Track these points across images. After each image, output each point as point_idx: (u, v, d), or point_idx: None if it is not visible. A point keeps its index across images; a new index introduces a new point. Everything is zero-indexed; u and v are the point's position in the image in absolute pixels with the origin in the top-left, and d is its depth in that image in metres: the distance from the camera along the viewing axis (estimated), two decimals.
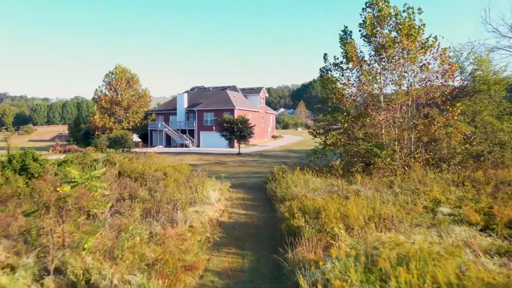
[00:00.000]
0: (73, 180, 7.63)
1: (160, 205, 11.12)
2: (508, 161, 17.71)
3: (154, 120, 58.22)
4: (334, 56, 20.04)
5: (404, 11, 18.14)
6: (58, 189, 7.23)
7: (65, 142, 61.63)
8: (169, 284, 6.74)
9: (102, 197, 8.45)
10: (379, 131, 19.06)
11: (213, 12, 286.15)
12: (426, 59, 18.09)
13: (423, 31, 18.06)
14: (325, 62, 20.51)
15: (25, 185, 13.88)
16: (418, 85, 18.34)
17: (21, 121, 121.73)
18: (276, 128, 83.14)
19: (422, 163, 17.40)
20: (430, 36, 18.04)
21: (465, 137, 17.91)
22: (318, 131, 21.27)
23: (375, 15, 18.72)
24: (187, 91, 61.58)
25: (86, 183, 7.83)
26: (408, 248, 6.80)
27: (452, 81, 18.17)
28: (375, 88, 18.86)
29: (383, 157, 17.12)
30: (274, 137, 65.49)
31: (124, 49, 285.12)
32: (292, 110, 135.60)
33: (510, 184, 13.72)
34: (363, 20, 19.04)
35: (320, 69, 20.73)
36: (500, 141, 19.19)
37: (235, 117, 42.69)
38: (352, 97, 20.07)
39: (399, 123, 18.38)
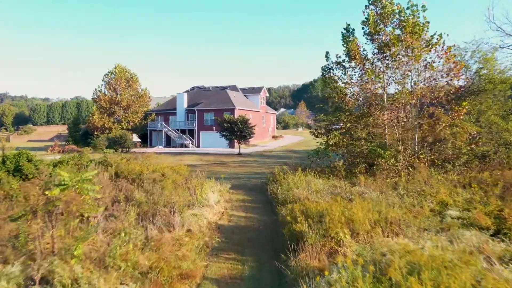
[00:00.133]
0: (62, 183, 7.19)
1: (157, 208, 10.67)
2: None
3: (153, 120, 57.78)
4: (336, 55, 19.63)
5: (408, 8, 17.69)
6: (46, 192, 6.79)
7: (64, 142, 61.17)
8: None
9: (94, 200, 8.02)
10: (382, 131, 18.61)
11: (213, 12, 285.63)
12: (431, 57, 17.65)
13: (427, 28, 17.62)
14: (327, 61, 20.08)
15: (19, 187, 13.46)
16: (422, 84, 17.88)
17: (21, 121, 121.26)
18: (277, 128, 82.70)
19: (426, 164, 16.95)
20: (435, 34, 17.58)
21: (470, 137, 17.46)
22: (320, 131, 20.80)
23: (378, 12, 18.28)
24: (187, 91, 61.15)
25: (77, 186, 7.39)
26: (419, 256, 6.36)
27: (458, 80, 17.71)
28: (379, 87, 18.39)
29: (386, 158, 16.68)
30: (274, 137, 65.03)
31: (124, 49, 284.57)
32: (292, 110, 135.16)
33: None
34: (366, 18, 18.60)
35: (322, 68, 20.28)
36: (505, 142, 18.74)
37: (235, 117, 42.24)
38: (355, 96, 19.64)
39: (403, 123, 17.93)
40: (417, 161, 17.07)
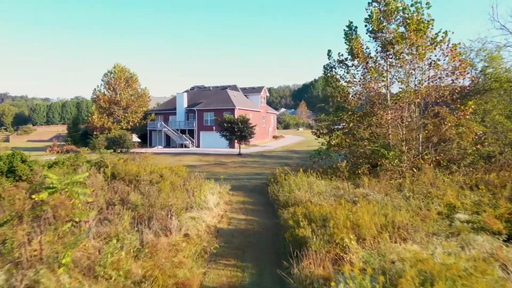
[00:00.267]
0: (51, 186, 6.76)
1: (153, 211, 10.24)
2: None
3: (153, 120, 57.35)
4: (339, 53, 19.19)
5: (412, 5, 17.25)
6: (33, 196, 6.36)
7: (63, 143, 60.78)
8: None
9: (85, 204, 7.59)
10: (386, 131, 18.17)
11: (213, 12, 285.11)
12: (435, 56, 17.21)
13: (432, 26, 17.18)
14: (329, 59, 19.64)
15: (2, 191, 13.03)
16: (427, 83, 17.44)
17: (21, 121, 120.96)
18: (277, 128, 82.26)
19: (431, 165, 16.51)
20: (439, 31, 17.14)
21: (476, 137, 17.03)
22: (321, 131, 20.35)
23: (382, 9, 17.85)
24: (187, 91, 60.73)
25: (67, 189, 6.96)
26: (431, 265, 5.92)
27: (463, 79, 17.25)
28: (382, 86, 17.96)
29: (390, 159, 16.24)
30: (275, 137, 64.58)
31: (124, 49, 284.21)
32: (293, 110, 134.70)
33: None
34: (369, 15, 18.16)
35: (324, 66, 19.83)
36: (511, 142, 18.30)
37: (236, 117, 41.82)
38: (357, 96, 19.21)
39: (407, 123, 17.48)
40: (422, 161, 16.64)
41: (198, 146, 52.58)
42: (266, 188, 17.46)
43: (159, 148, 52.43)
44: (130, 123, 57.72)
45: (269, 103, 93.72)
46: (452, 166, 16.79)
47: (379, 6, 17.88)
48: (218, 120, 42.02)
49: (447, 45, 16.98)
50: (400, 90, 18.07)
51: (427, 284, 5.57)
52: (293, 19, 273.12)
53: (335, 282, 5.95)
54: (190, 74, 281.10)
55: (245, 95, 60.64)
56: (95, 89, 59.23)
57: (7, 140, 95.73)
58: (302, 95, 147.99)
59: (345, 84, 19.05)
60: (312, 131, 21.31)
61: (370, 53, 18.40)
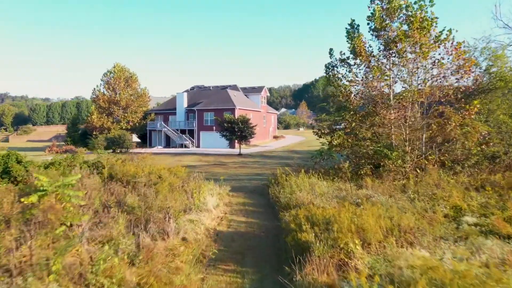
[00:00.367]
0: (41, 188, 6.43)
1: (151, 214, 9.91)
2: None
3: (153, 120, 57.01)
4: (341, 52, 18.84)
5: (415, 2, 16.90)
6: (22, 199, 6.03)
7: (62, 143, 60.48)
8: None
9: (78, 207, 7.26)
10: (388, 131, 17.82)
11: (213, 12, 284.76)
12: (439, 54, 16.86)
13: (436, 24, 16.84)
14: (330, 58, 19.29)
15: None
16: (431, 82, 17.09)
17: (21, 121, 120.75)
18: (278, 128, 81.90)
19: (436, 165, 16.17)
20: (443, 29, 16.80)
21: (481, 137, 16.69)
22: (323, 131, 20.01)
23: (384, 7, 17.50)
24: (187, 90, 60.40)
25: (58, 192, 6.63)
26: (442, 272, 5.59)
27: (468, 77, 16.91)
28: (386, 84, 17.62)
29: (393, 159, 15.91)
30: (275, 137, 64.24)
31: (124, 49, 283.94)
32: (293, 110, 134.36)
33: None
34: (371, 13, 17.81)
35: (326, 65, 19.48)
36: None
37: (236, 117, 41.51)
38: (360, 95, 18.88)
39: (410, 122, 17.13)
40: (426, 162, 16.31)
41: (198, 146, 52.26)
42: (267, 189, 17.13)
43: (159, 148, 52.12)
44: (130, 123, 57.37)
45: (270, 103, 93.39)
46: (456, 167, 16.46)
47: (381, 3, 17.54)
48: (218, 120, 41.71)
49: (451, 43, 16.64)
50: (403, 89, 17.75)
51: None
52: (293, 19, 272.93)
53: None
54: (190, 74, 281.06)
55: (245, 95, 60.31)
56: (94, 89, 58.92)
57: (6, 140, 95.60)
58: (302, 95, 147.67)
59: (347, 83, 18.72)
60: (313, 131, 20.97)
61: (372, 52, 18.06)
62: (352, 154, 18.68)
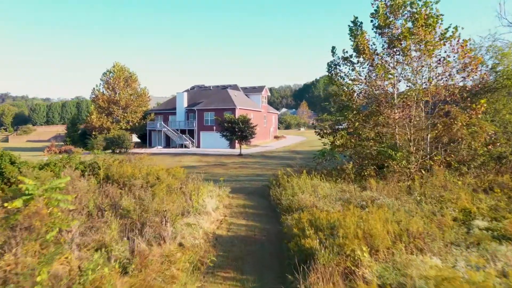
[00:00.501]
0: (26, 192, 6.00)
1: (147, 217, 9.48)
2: None
3: (153, 120, 56.57)
4: (343, 50, 18.41)
5: None
6: (6, 204, 5.60)
7: (61, 143, 60.10)
8: None
9: (67, 212, 6.82)
10: (392, 131, 17.37)
11: (213, 12, 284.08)
12: (445, 52, 16.42)
13: (441, 21, 16.39)
14: (333, 56, 18.84)
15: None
16: (436, 80, 16.64)
17: (21, 121, 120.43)
18: (279, 128, 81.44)
19: (441, 166, 15.73)
20: (449, 27, 16.35)
21: (487, 137, 16.24)
22: (325, 131, 19.56)
23: (388, 4, 17.06)
24: (187, 90, 59.94)
25: (44, 196, 6.20)
26: (459, 284, 5.16)
27: (475, 75, 16.46)
28: (390, 83, 17.16)
29: (398, 160, 15.46)
30: (276, 137, 63.78)
31: (124, 49, 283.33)
32: (294, 110, 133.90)
33: None
34: (375, 10, 17.38)
35: (328, 64, 19.04)
36: None
37: (236, 117, 41.08)
38: (362, 94, 18.43)
39: (415, 122, 16.68)
40: (432, 163, 15.86)
41: (198, 146, 51.83)
42: (268, 190, 16.70)
43: (158, 149, 51.71)
44: (130, 123, 56.93)
45: (270, 103, 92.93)
46: (462, 168, 16.03)
47: (385, 0, 17.11)
48: (219, 120, 41.28)
49: (457, 41, 16.19)
50: (408, 88, 17.31)
51: None
52: (293, 19, 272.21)
53: None
54: (190, 74, 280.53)
55: (246, 95, 59.86)
56: (94, 88, 58.43)
57: (6, 140, 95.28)
58: (303, 95, 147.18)
59: (350, 82, 18.29)
60: (315, 131, 20.53)
61: (376, 50, 17.62)
62: (355, 154, 18.22)
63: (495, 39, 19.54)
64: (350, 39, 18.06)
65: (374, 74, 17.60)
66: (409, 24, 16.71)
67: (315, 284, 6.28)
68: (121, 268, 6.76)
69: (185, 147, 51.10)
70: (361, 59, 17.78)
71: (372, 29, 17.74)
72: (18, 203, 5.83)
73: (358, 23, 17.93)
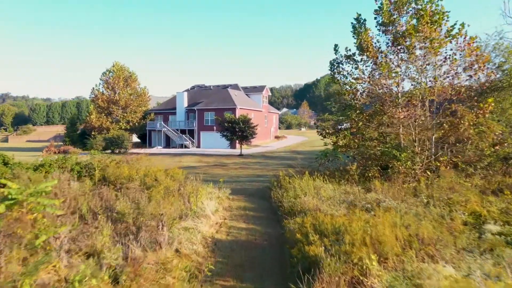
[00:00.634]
0: (9, 196, 5.56)
1: (143, 221, 9.04)
2: None
3: (153, 120, 56.14)
4: (346, 48, 17.94)
5: None
6: None
7: (60, 143, 59.70)
8: None
9: (55, 217, 6.38)
10: (397, 131, 16.90)
11: (213, 12, 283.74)
12: (451, 49, 15.96)
13: (448, 18, 15.94)
14: (335, 54, 18.38)
15: None
16: (442, 79, 16.18)
17: (21, 121, 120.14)
18: (279, 128, 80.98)
19: (448, 167, 15.27)
20: (455, 23, 15.90)
21: (495, 137, 15.78)
22: (328, 131, 19.11)
23: (392, 1, 16.61)
24: (187, 90, 59.51)
25: (29, 201, 5.76)
26: None
27: (482, 73, 15.99)
28: (396, 81, 16.70)
29: (402, 160, 15.00)
30: (277, 137, 63.33)
31: (124, 49, 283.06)
32: (295, 110, 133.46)
33: None
34: (379, 7, 16.92)
35: (330, 62, 18.57)
36: None
37: (237, 117, 40.64)
38: (366, 93, 17.97)
39: (420, 122, 16.22)
40: (438, 163, 15.41)
41: (198, 146, 51.42)
42: (269, 192, 16.26)
43: (158, 149, 51.30)
44: (130, 123, 56.49)
45: (271, 103, 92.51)
46: (468, 169, 15.56)
47: None
48: (219, 120, 40.85)
49: (464, 38, 15.73)
50: (413, 87, 16.85)
51: None
52: (293, 19, 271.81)
53: None
54: (190, 74, 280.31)
55: (246, 94, 59.42)
56: (93, 88, 58.00)
57: (6, 140, 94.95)
58: (304, 95, 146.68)
59: (353, 80, 17.84)
60: (317, 131, 20.08)
61: (380, 47, 17.16)
62: (359, 155, 17.76)
63: (501, 37, 19.08)
64: (353, 36, 17.62)
65: (377, 73, 17.17)
66: (414, 21, 16.26)
67: None
68: (113, 277, 6.33)
69: (185, 147, 50.69)
70: (364, 57, 17.33)
71: (376, 26, 17.32)
72: (0, 208, 5.41)
73: (362, 20, 17.47)
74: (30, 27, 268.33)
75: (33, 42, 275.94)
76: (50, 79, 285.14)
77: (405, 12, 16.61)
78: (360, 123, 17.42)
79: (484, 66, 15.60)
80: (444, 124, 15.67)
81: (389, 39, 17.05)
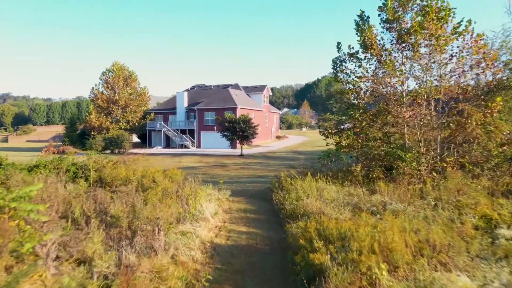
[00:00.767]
0: None
1: (138, 225, 8.62)
2: None
3: (153, 119, 55.73)
4: (349, 45, 17.51)
5: None
6: None
7: (60, 143, 59.33)
8: None
9: (41, 224, 5.96)
10: (401, 131, 16.45)
11: (213, 12, 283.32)
12: (458, 47, 15.51)
13: (454, 14, 15.50)
14: (338, 52, 17.96)
15: None
16: (449, 77, 15.73)
17: (21, 121, 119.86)
18: (280, 128, 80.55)
19: (455, 168, 14.81)
20: (462, 20, 15.44)
21: (503, 137, 15.31)
22: (330, 131, 18.66)
23: None
24: (187, 90, 59.09)
25: (11, 206, 5.33)
26: None
27: (490, 71, 15.53)
28: (400, 80, 16.26)
29: (407, 161, 14.55)
30: (278, 137, 62.88)
31: (124, 49, 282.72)
32: (296, 110, 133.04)
33: None
34: (383, 3, 16.49)
35: (333, 60, 18.14)
36: None
37: (237, 116, 40.21)
38: (370, 92, 17.53)
39: (426, 121, 15.76)
40: (444, 164, 14.95)
41: (198, 146, 51.00)
42: (270, 193, 15.83)
43: (158, 149, 50.90)
44: (129, 123, 56.08)
45: (272, 102, 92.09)
46: (475, 170, 15.10)
47: None
48: (219, 120, 40.43)
49: (471, 35, 15.27)
50: (418, 85, 16.40)
51: None
52: (293, 19, 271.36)
53: None
54: (190, 74, 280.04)
55: (247, 94, 58.99)
56: (93, 88, 57.60)
57: (6, 140, 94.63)
58: (305, 94, 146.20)
59: (356, 79, 17.39)
60: (319, 131, 19.63)
61: (384, 45, 16.72)
62: (362, 155, 17.30)
63: (508, 35, 18.62)
64: (356, 34, 17.18)
65: (381, 71, 16.74)
66: (419, 18, 15.82)
67: None
68: (104, 287, 5.90)
69: (185, 147, 50.28)
70: (368, 55, 16.89)
71: (380, 23, 16.89)
72: None
73: (365, 18, 17.03)
74: (30, 27, 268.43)
75: (33, 42, 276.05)
76: (50, 79, 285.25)
77: (410, 8, 16.19)
78: (364, 123, 16.98)
79: (492, 64, 15.13)
80: (451, 124, 15.22)
81: (393, 37, 16.63)
